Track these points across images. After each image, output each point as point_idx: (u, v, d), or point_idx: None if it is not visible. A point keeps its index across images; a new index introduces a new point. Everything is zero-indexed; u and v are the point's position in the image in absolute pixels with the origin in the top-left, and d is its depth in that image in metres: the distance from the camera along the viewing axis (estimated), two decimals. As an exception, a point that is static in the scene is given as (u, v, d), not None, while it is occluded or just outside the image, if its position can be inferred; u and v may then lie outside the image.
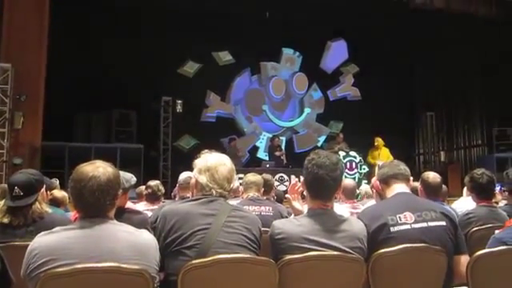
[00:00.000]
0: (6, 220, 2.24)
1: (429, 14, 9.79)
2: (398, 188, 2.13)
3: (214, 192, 1.90)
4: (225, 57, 10.85)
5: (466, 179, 3.01)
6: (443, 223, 1.99)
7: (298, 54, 11.86)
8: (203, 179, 1.92)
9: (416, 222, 1.95)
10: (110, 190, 1.61)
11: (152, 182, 4.36)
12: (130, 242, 1.58)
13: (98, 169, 1.61)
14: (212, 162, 1.95)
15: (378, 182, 2.24)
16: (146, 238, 1.66)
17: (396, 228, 1.93)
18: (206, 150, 2.07)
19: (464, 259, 1.98)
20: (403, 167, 2.20)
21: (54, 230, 1.57)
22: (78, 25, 8.75)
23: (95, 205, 1.59)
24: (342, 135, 9.69)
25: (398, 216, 1.96)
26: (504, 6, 9.81)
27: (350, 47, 11.75)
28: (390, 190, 2.14)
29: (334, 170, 1.92)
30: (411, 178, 2.22)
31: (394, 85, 11.34)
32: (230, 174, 1.95)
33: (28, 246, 1.56)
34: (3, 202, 2.32)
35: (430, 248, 1.91)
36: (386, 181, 2.17)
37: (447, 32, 11.02)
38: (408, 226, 1.94)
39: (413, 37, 11.48)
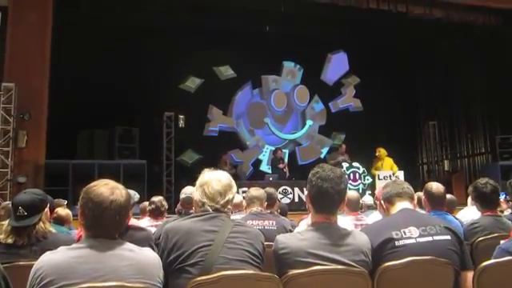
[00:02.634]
0: (10, 240, 2.25)
1: (428, 23, 9.85)
2: (402, 205, 2.15)
3: (207, 207, 1.91)
4: (226, 71, 10.94)
5: (470, 189, 3.00)
6: (448, 237, 1.98)
7: (298, 66, 11.94)
8: (197, 195, 1.96)
9: (421, 236, 1.95)
10: (127, 211, 1.64)
11: (155, 198, 4.38)
12: (133, 260, 1.58)
13: (116, 191, 1.62)
14: (207, 179, 1.97)
15: (382, 200, 2.26)
16: (149, 256, 1.66)
17: (401, 242, 1.92)
18: (211, 168, 2.10)
19: (470, 276, 1.96)
20: (406, 186, 2.23)
21: (58, 249, 1.58)
22: (80, 43, 8.86)
23: (113, 227, 1.61)
24: (344, 146, 9.69)
25: (402, 231, 1.95)
26: (502, 15, 9.88)
27: (350, 58, 11.82)
28: (394, 208, 2.16)
29: (338, 184, 1.92)
30: (415, 197, 2.23)
31: (396, 95, 11.38)
32: (223, 188, 1.95)
33: (32, 265, 1.56)
34: (7, 221, 2.33)
35: (436, 260, 1.89)
36: (390, 200, 2.20)
37: (448, 41, 11.08)
38: (413, 240, 1.93)
39: (413, 46, 11.56)
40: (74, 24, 8.69)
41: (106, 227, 1.59)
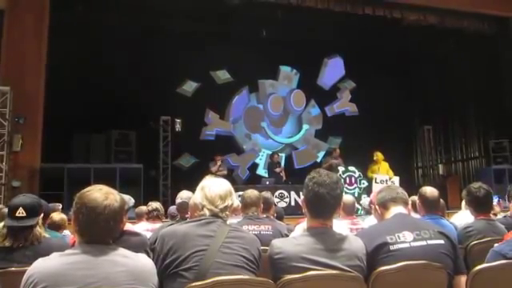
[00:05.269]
0: (7, 243, 2.26)
1: (424, 29, 9.94)
2: (396, 210, 2.16)
3: (206, 211, 1.93)
4: (223, 75, 10.95)
5: (464, 193, 3.02)
6: (442, 242, 2.00)
7: (295, 71, 11.98)
8: (197, 198, 1.98)
9: (415, 240, 1.96)
10: (121, 217, 1.63)
11: (152, 202, 4.39)
12: (127, 266, 1.58)
13: (110, 196, 1.61)
14: (207, 183, 2.01)
15: (376, 205, 2.27)
16: (144, 262, 1.65)
17: (396, 246, 1.94)
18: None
19: (463, 280, 1.97)
20: (401, 191, 2.24)
21: (51, 255, 1.57)
22: (77, 46, 8.85)
23: (106, 233, 1.60)
24: (338, 150, 9.69)
25: (396, 235, 1.97)
26: (496, 22, 9.98)
27: (346, 63, 11.88)
28: (389, 213, 2.17)
29: (334, 189, 1.93)
30: (409, 202, 2.25)
31: (391, 99, 11.43)
32: (224, 192, 1.98)
33: (25, 271, 1.55)
34: (1, 224, 2.33)
35: (430, 265, 1.91)
36: (385, 204, 2.20)
37: (443, 47, 11.17)
38: (407, 245, 1.95)
39: (408, 52, 11.64)
40: (70, 27, 8.69)
41: (100, 233, 1.58)
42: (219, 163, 9.21)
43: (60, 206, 4.38)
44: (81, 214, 1.58)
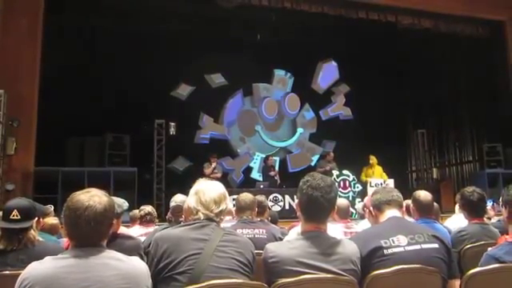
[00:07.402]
0: (1, 246, 2.25)
1: (418, 33, 10.01)
2: (391, 213, 2.15)
3: (200, 215, 1.92)
4: (217, 79, 10.95)
5: (458, 197, 3.04)
6: (436, 245, 2.00)
7: (289, 74, 12.01)
8: (191, 202, 1.97)
9: (409, 244, 1.97)
10: (105, 219, 1.61)
11: (145, 206, 4.39)
12: (120, 270, 1.57)
13: (94, 198, 1.60)
14: (201, 187, 2.00)
15: (371, 207, 2.27)
16: (137, 265, 1.65)
17: (390, 250, 1.94)
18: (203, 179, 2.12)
19: (457, 284, 1.98)
20: (396, 193, 2.23)
21: (45, 259, 1.56)
22: (71, 49, 8.83)
23: (90, 234, 1.58)
24: (332, 154, 9.70)
25: (391, 239, 1.97)
26: (489, 25, 10.08)
27: (341, 67, 11.93)
28: (383, 216, 2.17)
29: (328, 193, 1.93)
30: (404, 204, 2.25)
31: (385, 103, 11.49)
32: (218, 196, 1.97)
33: (19, 275, 1.55)
34: None
35: (424, 269, 1.91)
36: (379, 207, 2.20)
37: (437, 50, 11.26)
38: (401, 249, 1.95)
39: (402, 55, 11.71)
40: (65, 29, 8.66)
41: (84, 235, 1.57)
42: (214, 165, 9.15)
43: (52, 207, 4.34)
44: (65, 216, 1.59)
